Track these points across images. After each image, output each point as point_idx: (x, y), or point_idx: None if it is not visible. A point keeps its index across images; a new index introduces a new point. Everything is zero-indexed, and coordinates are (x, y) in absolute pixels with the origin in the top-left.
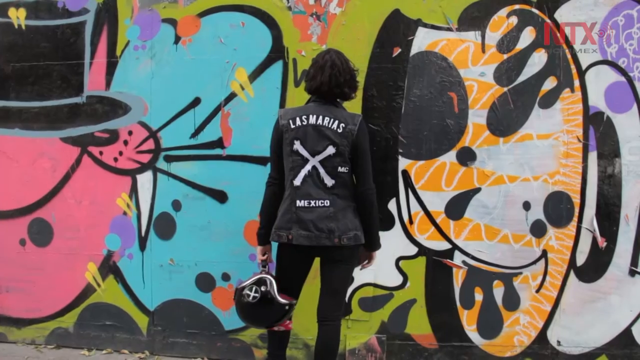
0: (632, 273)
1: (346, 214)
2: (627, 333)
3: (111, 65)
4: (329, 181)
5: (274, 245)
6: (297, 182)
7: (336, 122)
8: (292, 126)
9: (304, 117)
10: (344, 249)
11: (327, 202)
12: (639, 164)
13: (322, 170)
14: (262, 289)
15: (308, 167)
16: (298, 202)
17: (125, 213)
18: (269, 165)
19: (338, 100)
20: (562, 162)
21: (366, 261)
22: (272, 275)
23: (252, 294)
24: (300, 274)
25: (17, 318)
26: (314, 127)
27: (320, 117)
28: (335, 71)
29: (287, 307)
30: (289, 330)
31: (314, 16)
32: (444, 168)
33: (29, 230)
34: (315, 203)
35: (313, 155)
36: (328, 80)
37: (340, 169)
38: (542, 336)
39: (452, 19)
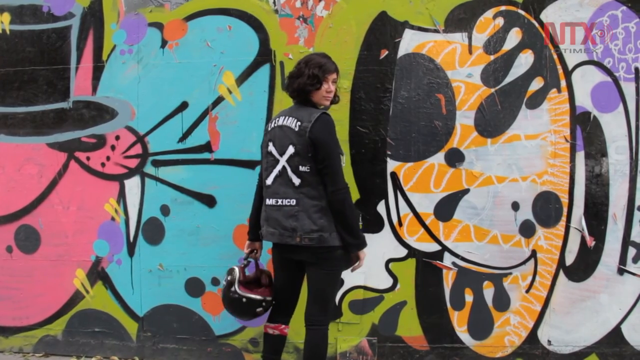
0: (621, 272)
1: (310, 214)
2: (616, 331)
3: (97, 70)
4: (296, 180)
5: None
6: (269, 181)
7: (295, 121)
8: (269, 129)
9: (277, 120)
10: (311, 251)
11: (293, 201)
12: (626, 163)
13: (289, 170)
14: (228, 277)
15: (279, 167)
16: (268, 200)
17: (113, 218)
18: (257, 168)
19: (313, 99)
20: (550, 162)
21: (356, 263)
22: (242, 267)
23: (222, 281)
24: (287, 278)
25: (4, 326)
26: (280, 127)
27: (286, 118)
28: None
29: (243, 300)
30: (284, 335)
31: (301, 19)
32: (432, 170)
33: (16, 237)
34: (282, 202)
35: (281, 155)
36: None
37: (301, 168)
38: (532, 336)
39: (438, 20)
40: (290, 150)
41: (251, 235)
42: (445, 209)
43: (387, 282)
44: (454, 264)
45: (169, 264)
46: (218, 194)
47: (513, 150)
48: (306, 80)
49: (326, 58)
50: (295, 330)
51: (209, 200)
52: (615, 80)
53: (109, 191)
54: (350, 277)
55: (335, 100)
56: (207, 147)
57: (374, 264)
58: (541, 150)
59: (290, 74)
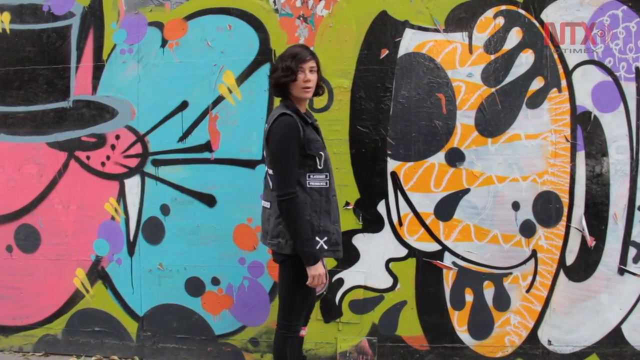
0: (621, 272)
1: (274, 219)
2: (617, 331)
3: (98, 69)
4: (270, 183)
5: None
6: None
7: (266, 123)
8: None
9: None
10: (274, 255)
11: (268, 205)
12: (627, 163)
13: (266, 173)
14: None
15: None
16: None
17: (113, 218)
18: (257, 168)
19: (294, 95)
20: (551, 161)
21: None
22: None
23: None
24: None
25: (4, 326)
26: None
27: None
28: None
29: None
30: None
31: (301, 18)
32: (432, 169)
33: (16, 236)
34: (264, 204)
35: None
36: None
37: (269, 171)
38: (532, 336)
39: (439, 20)
40: (264, 153)
41: None
42: (446, 208)
43: (387, 281)
44: (454, 263)
45: (169, 264)
46: (218, 194)
47: (513, 149)
48: (280, 73)
49: (301, 47)
50: None
51: (209, 200)
52: (616, 80)
53: (109, 190)
54: (350, 277)
55: (319, 92)
56: (207, 147)
57: (374, 264)
58: (541, 150)
59: (269, 73)
